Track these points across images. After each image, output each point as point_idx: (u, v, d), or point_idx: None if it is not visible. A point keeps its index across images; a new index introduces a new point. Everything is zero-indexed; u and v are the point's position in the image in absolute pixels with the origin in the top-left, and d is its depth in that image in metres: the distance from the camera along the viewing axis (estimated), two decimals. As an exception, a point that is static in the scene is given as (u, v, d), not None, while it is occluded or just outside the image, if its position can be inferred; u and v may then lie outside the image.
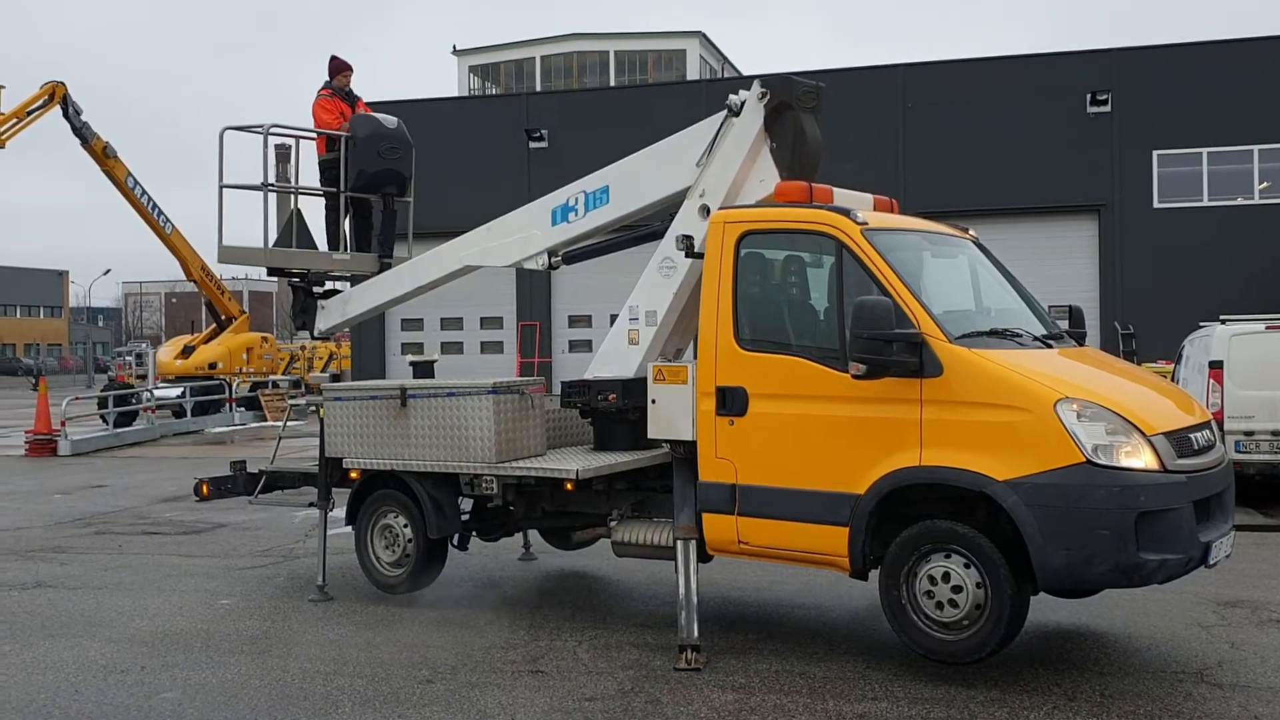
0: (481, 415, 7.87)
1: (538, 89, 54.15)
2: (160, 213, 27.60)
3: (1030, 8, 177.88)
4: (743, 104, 7.53)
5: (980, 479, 6.13)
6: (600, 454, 8.05)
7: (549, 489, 8.07)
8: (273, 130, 9.74)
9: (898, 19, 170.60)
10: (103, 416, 25.17)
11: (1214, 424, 7.00)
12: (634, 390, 7.71)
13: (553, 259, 8.58)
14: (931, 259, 7.42)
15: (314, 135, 10.22)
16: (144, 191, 27.10)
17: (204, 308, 31.88)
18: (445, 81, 67.62)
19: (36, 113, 24.66)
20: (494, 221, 9.04)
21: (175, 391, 27.29)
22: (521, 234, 8.73)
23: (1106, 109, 25.73)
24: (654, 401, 7.45)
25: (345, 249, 10.15)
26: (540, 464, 7.81)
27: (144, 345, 41.43)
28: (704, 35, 59.05)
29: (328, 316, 10.10)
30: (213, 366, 29.30)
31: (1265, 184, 25.32)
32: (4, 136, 24.02)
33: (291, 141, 10.49)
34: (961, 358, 6.29)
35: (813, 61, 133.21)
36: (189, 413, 26.53)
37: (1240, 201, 25.41)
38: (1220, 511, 6.69)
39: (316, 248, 10.04)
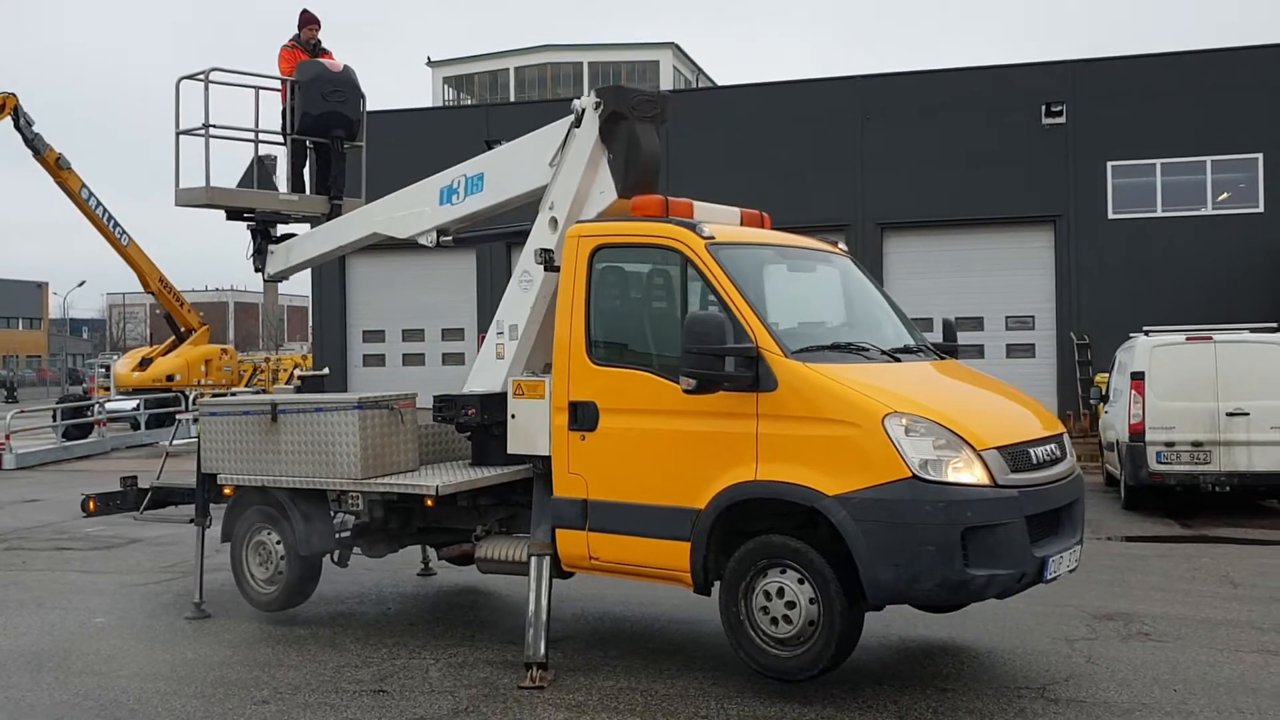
0: (347, 430, 7.80)
1: (511, 99, 54.23)
2: (116, 224, 27.44)
3: (991, 21, 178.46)
4: (583, 112, 7.49)
5: (811, 494, 6.08)
6: (471, 469, 7.99)
7: (418, 505, 8.01)
8: (213, 73, 10.09)
9: (871, 31, 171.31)
10: (53, 429, 25.01)
11: (1065, 437, 6.97)
12: (493, 405, 7.66)
13: (441, 238, 8.75)
14: (786, 273, 7.39)
15: (254, 80, 10.59)
16: (99, 203, 26.94)
17: (165, 320, 31.69)
18: (420, 93, 68.00)
19: (-14, 124, 24.51)
20: (400, 191, 9.18)
21: (130, 404, 27.17)
22: (417, 209, 8.88)
23: (1061, 120, 25.72)
24: (513, 416, 7.41)
25: (290, 190, 10.47)
26: (401, 480, 7.74)
27: (113, 357, 41.28)
28: (677, 46, 59.17)
29: (275, 261, 10.38)
30: (170, 379, 29.11)
31: (1225, 195, 25.33)
32: (-48, 149, 23.90)
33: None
34: (796, 372, 6.24)
35: (778, 72, 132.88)
36: (144, 425, 26.41)
37: (1194, 212, 25.42)
38: (1068, 525, 6.66)
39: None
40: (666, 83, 56.89)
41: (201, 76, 10.02)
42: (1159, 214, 25.49)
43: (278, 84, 10.51)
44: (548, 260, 7.33)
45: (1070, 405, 23.93)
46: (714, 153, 27.35)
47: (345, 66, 10.60)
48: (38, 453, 22.65)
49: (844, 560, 6.13)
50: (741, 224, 7.71)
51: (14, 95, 24.90)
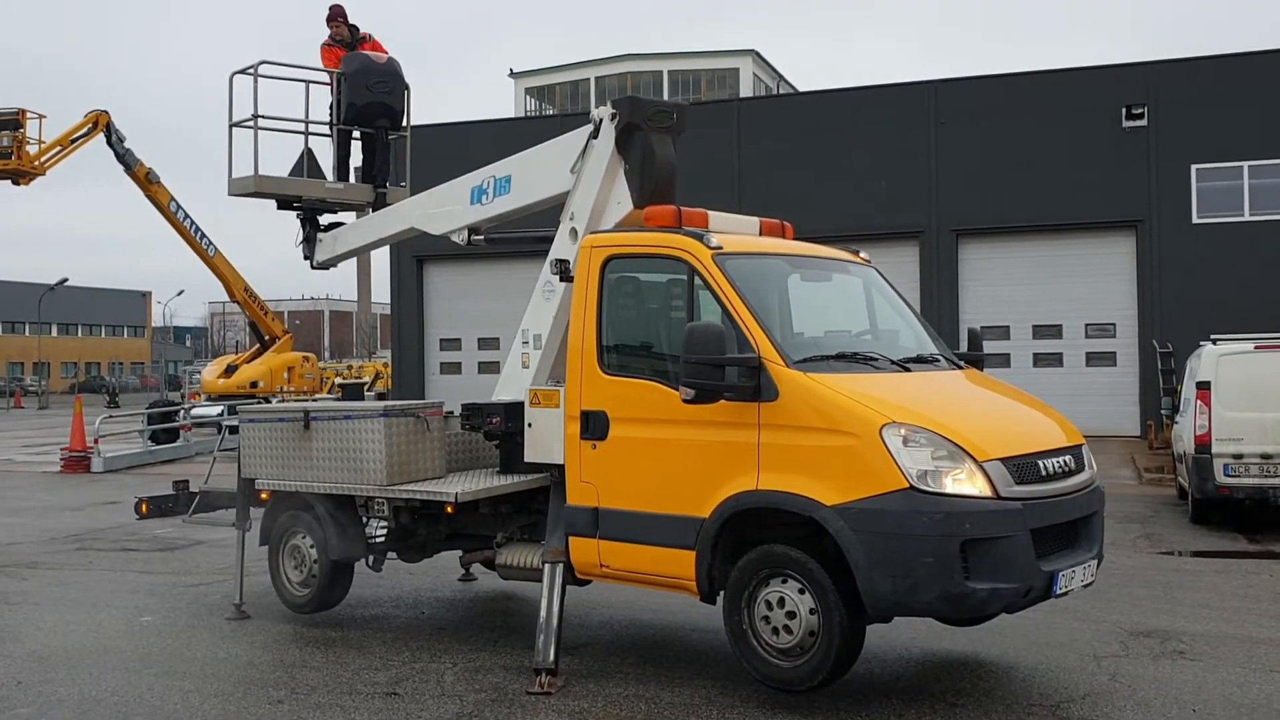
0: (373, 438, 7.96)
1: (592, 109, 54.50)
2: (203, 235, 28.25)
3: (1066, 22, 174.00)
4: (600, 123, 7.56)
5: (809, 504, 6.04)
6: (495, 477, 8.09)
7: (441, 512, 8.13)
8: (263, 66, 10.54)
9: (955, 34, 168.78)
10: (140, 433, 25.87)
11: (1084, 449, 6.81)
12: (516, 413, 7.74)
13: (473, 237, 8.90)
14: (799, 283, 7.34)
15: (303, 73, 11.03)
16: (186, 215, 27.77)
17: (249, 328, 32.56)
18: (503, 104, 69.14)
19: (80, 140, 25.45)
20: (436, 188, 9.36)
21: (215, 410, 27.92)
22: (449, 207, 9.05)
23: (1143, 123, 25.08)
24: (530, 425, 7.50)
25: (336, 179, 10.85)
26: (423, 487, 7.86)
27: (206, 364, 42.51)
28: (757, 53, 58.93)
29: (322, 249, 10.72)
30: (254, 385, 29.85)
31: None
32: (47, 164, 24.89)
33: None
34: (797, 382, 6.21)
35: (863, 78, 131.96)
36: (227, 430, 27.14)
37: (1284, 216, 24.56)
38: (1084, 539, 6.53)
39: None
40: (746, 90, 56.72)
41: (251, 70, 10.41)
42: (1246, 218, 24.71)
43: (326, 77, 10.87)
44: (563, 270, 7.42)
45: (1153, 415, 23.26)
46: (788, 159, 27.26)
47: (390, 58, 10.91)
48: (124, 456, 23.43)
49: (846, 572, 6.07)
50: (761, 234, 7.70)
51: (106, 113, 25.83)
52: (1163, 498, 16.08)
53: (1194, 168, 24.87)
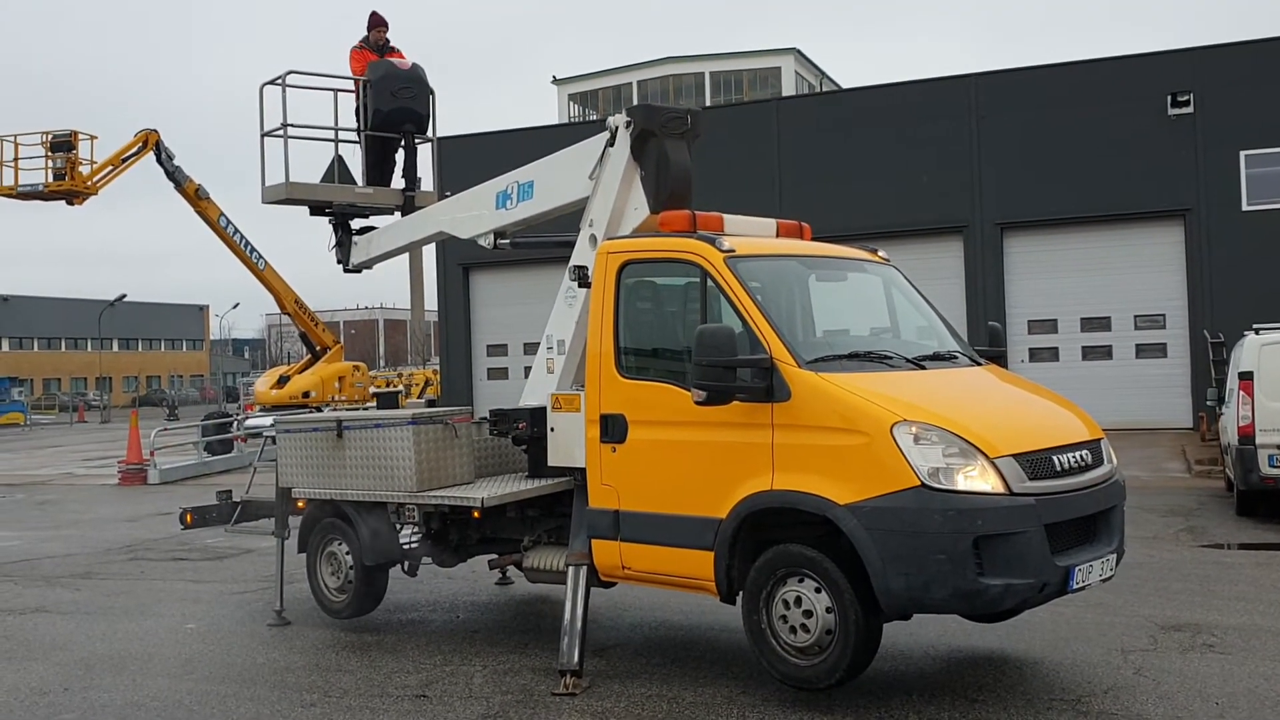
0: (403, 445, 8.13)
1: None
2: (253, 249, 28.65)
3: (1107, 11, 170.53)
4: (616, 131, 7.67)
5: (823, 502, 6.10)
6: (522, 481, 8.21)
7: (470, 517, 8.26)
8: (290, 76, 10.92)
9: (996, 27, 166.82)
10: (195, 444, 26.41)
11: (1103, 443, 6.79)
12: (542, 418, 7.87)
13: (499, 241, 9.03)
14: (814, 283, 7.39)
15: (330, 81, 11.39)
16: (236, 230, 28.21)
17: (301, 339, 33.03)
18: (546, 111, 69.51)
19: (131, 159, 25.96)
20: (463, 193, 9.55)
21: (268, 420, 28.34)
22: (475, 211, 9.23)
23: (1189, 110, 24.72)
24: (553, 430, 7.63)
25: (366, 184, 11.16)
26: (451, 492, 8.01)
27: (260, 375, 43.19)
28: (799, 51, 58.70)
29: (357, 252, 11.03)
30: (306, 395, 30.24)
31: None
32: (99, 184, 25.43)
33: None
34: (808, 382, 6.27)
35: (900, 73, 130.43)
36: (267, 440, 27.59)
37: (1337, 200, 24.07)
38: (1102, 533, 6.51)
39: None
40: (789, 88, 56.56)
41: (280, 81, 10.67)
42: (1299, 203, 24.26)
43: (352, 85, 11.12)
44: (581, 276, 7.53)
45: (1205, 406, 22.91)
46: (829, 156, 27.20)
47: (414, 64, 11.15)
48: (180, 468, 23.95)
49: (862, 570, 6.11)
50: (778, 235, 7.76)
51: (156, 132, 26.35)
52: (1211, 490, 15.88)
53: (1242, 154, 24.47)
